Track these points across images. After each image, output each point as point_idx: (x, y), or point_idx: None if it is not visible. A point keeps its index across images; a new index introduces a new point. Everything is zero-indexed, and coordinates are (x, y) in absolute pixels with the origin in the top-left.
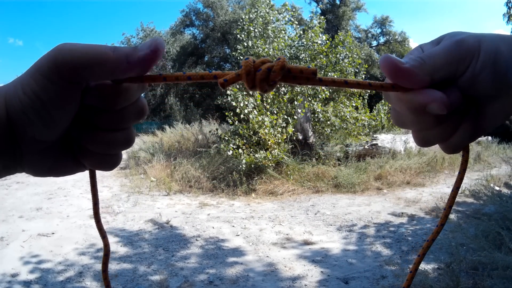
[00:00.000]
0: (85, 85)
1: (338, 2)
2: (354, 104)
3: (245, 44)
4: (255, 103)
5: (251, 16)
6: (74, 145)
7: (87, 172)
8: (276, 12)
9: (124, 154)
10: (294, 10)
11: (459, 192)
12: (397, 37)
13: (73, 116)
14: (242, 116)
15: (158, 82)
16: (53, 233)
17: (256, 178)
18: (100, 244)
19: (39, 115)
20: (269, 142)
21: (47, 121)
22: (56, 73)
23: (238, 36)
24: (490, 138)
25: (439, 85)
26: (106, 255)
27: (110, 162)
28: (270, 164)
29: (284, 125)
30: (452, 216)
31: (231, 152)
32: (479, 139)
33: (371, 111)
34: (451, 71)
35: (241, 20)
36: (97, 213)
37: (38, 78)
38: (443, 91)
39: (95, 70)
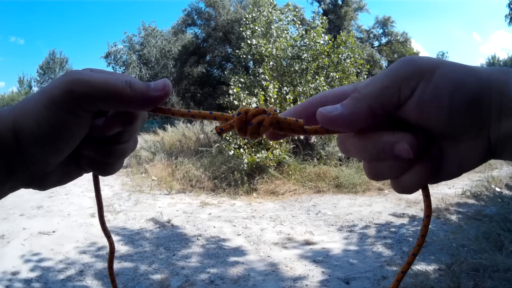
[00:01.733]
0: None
1: (340, 2)
2: None
3: (249, 42)
4: (258, 104)
5: (253, 15)
6: (81, 156)
7: None
8: (278, 12)
9: None
10: (296, 10)
11: (460, 193)
12: (399, 37)
13: (83, 136)
14: None
15: (166, 115)
16: (54, 232)
17: (257, 178)
18: (100, 242)
19: (54, 145)
20: (270, 142)
21: (62, 148)
22: (73, 104)
23: (243, 33)
24: None
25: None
26: (112, 252)
27: (115, 168)
28: (272, 164)
29: None
30: (453, 217)
31: (232, 152)
32: None
33: None
34: (393, 95)
35: (244, 19)
36: (102, 216)
37: (54, 109)
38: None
39: (111, 103)
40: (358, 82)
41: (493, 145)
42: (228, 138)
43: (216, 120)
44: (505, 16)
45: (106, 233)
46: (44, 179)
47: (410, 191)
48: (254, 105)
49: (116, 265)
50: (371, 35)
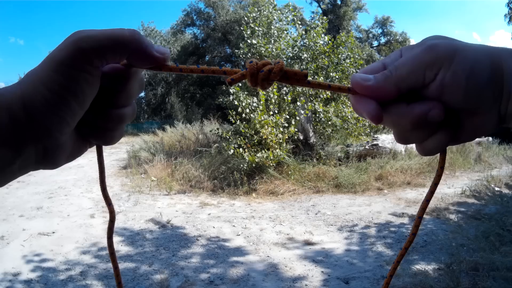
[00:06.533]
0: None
1: (339, 2)
2: None
3: (249, 42)
4: (259, 104)
5: (254, 15)
6: (85, 127)
7: (87, 171)
8: (279, 12)
9: (125, 153)
10: (296, 10)
11: (460, 193)
12: (398, 37)
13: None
14: (244, 115)
15: (175, 72)
16: (53, 232)
17: (256, 178)
18: (100, 243)
19: (69, 108)
20: (270, 142)
21: (75, 112)
22: (84, 61)
23: (244, 32)
24: (490, 138)
25: (415, 95)
26: (112, 221)
27: (115, 136)
28: (271, 164)
29: (286, 125)
30: (452, 216)
31: (232, 151)
32: (480, 139)
33: None
34: (418, 79)
35: (245, 19)
36: (104, 182)
37: (65, 70)
38: (422, 103)
39: (117, 53)
40: (403, 51)
41: (502, 117)
42: (227, 137)
43: (226, 74)
44: (505, 15)
45: (107, 200)
46: (55, 154)
47: (432, 153)
48: (254, 105)
49: None
50: (370, 35)
